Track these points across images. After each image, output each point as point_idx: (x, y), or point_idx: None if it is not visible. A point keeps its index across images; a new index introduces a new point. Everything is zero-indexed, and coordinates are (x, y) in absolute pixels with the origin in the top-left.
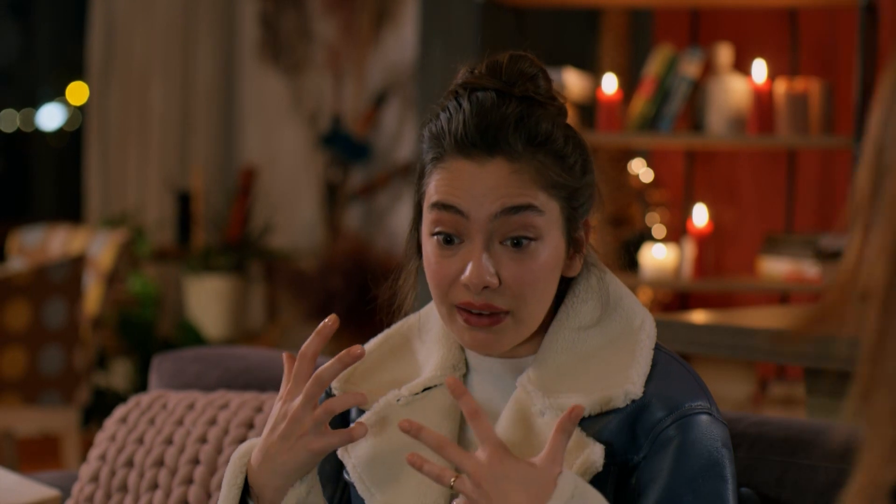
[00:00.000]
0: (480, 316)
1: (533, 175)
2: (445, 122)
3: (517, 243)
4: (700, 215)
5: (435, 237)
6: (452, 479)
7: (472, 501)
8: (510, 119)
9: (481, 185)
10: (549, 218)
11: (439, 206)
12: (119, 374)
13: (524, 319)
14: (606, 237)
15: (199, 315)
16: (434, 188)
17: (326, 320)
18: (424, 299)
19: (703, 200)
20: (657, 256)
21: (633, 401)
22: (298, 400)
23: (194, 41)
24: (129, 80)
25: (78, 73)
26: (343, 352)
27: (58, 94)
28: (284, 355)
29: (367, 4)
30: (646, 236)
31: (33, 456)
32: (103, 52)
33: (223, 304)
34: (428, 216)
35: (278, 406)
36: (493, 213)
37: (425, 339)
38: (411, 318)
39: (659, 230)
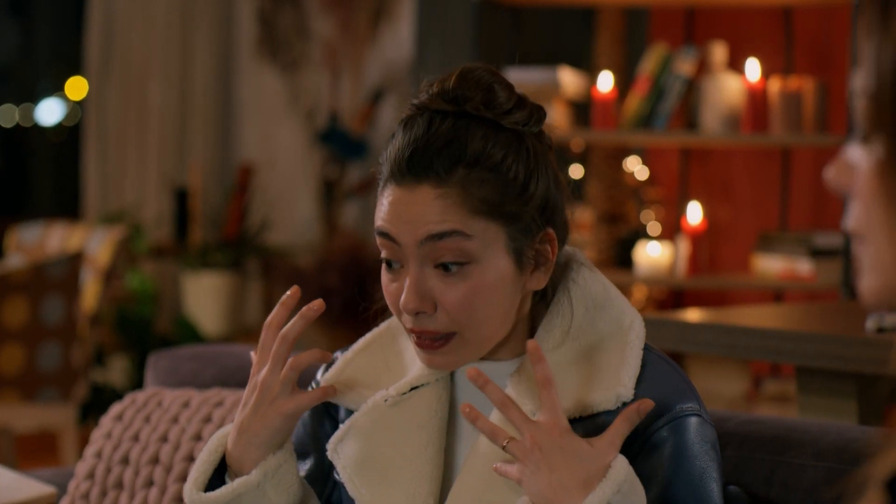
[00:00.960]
0: (425, 339)
1: (458, 200)
2: (390, 149)
3: (447, 268)
4: (694, 213)
5: (382, 261)
6: (506, 441)
7: (522, 465)
8: (437, 143)
9: (408, 212)
10: (482, 240)
11: (377, 232)
12: (117, 370)
13: (473, 339)
14: (602, 235)
15: (196, 311)
16: (377, 214)
17: (289, 291)
18: None
19: (697, 198)
20: (652, 254)
21: (624, 403)
22: (266, 366)
23: (192, 38)
24: (127, 78)
25: (76, 71)
26: (304, 308)
27: (56, 89)
28: (252, 353)
29: (365, 2)
30: (641, 234)
31: (31, 452)
32: (102, 49)
33: (220, 301)
34: (377, 239)
35: (249, 384)
36: (418, 241)
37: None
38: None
39: (654, 228)
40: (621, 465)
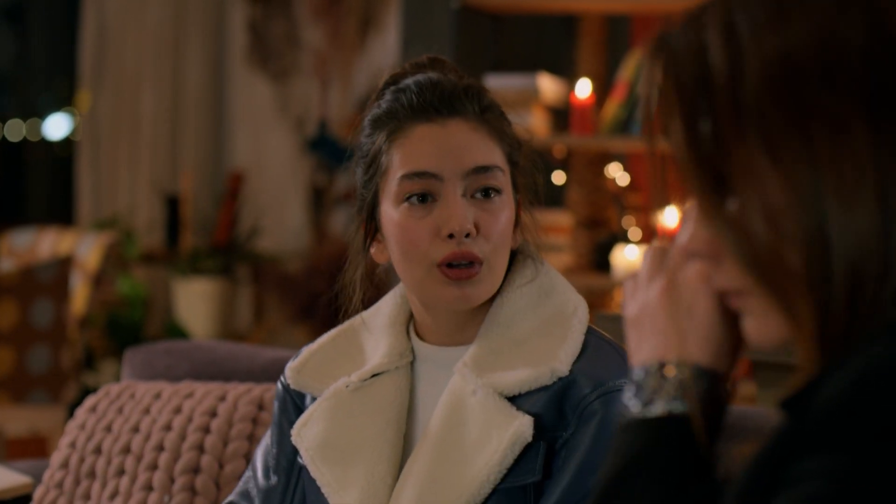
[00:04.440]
0: (460, 268)
1: (490, 133)
2: (392, 102)
3: (486, 194)
4: (671, 217)
5: (407, 202)
6: None
7: None
8: (459, 87)
9: (448, 144)
10: (506, 178)
11: (412, 175)
12: (107, 373)
13: (494, 270)
14: (581, 240)
15: (186, 317)
16: (399, 161)
17: None
18: (377, 294)
19: (675, 203)
20: (629, 257)
21: (560, 378)
22: None
23: (184, 48)
24: (120, 86)
25: (70, 79)
26: None
27: (62, 103)
28: None
29: (353, 11)
30: (619, 238)
31: (22, 454)
32: (95, 58)
33: (211, 306)
34: (395, 189)
35: None
36: (465, 171)
37: (373, 330)
38: (356, 319)
39: (635, 233)
40: None
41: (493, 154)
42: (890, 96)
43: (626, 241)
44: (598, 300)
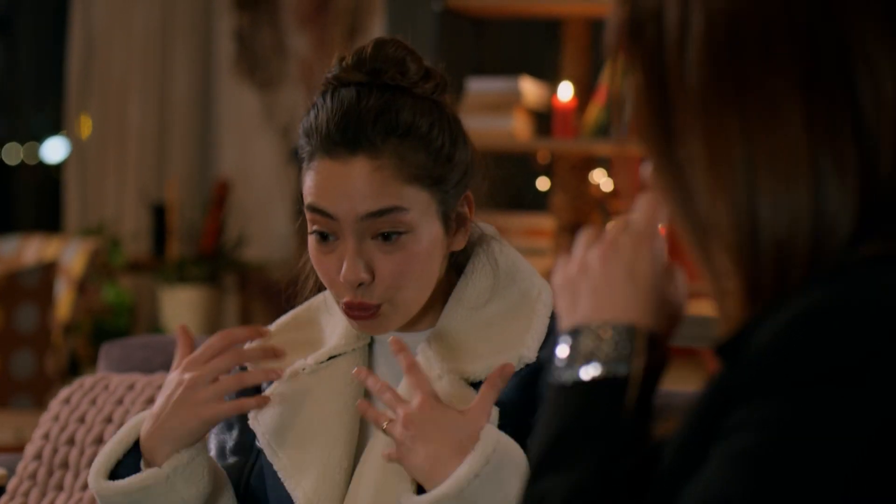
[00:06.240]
0: (358, 310)
1: (395, 171)
2: (313, 120)
3: (387, 237)
4: None
5: (313, 234)
6: (385, 423)
7: (399, 444)
8: (370, 114)
9: (345, 186)
10: (417, 210)
11: (310, 208)
12: None
13: (403, 305)
14: (563, 243)
15: (172, 324)
16: (306, 189)
17: (265, 329)
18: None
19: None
20: None
21: (528, 365)
22: (205, 369)
23: (171, 57)
24: (107, 95)
25: (59, 88)
26: (262, 327)
27: (56, 124)
28: (179, 328)
29: (339, 20)
30: None
31: None
32: (82, 66)
33: (197, 315)
34: (308, 213)
35: (176, 374)
36: (358, 216)
37: (333, 310)
38: (318, 298)
39: None
40: (489, 434)
41: (394, 195)
42: (826, 74)
43: None
44: None
